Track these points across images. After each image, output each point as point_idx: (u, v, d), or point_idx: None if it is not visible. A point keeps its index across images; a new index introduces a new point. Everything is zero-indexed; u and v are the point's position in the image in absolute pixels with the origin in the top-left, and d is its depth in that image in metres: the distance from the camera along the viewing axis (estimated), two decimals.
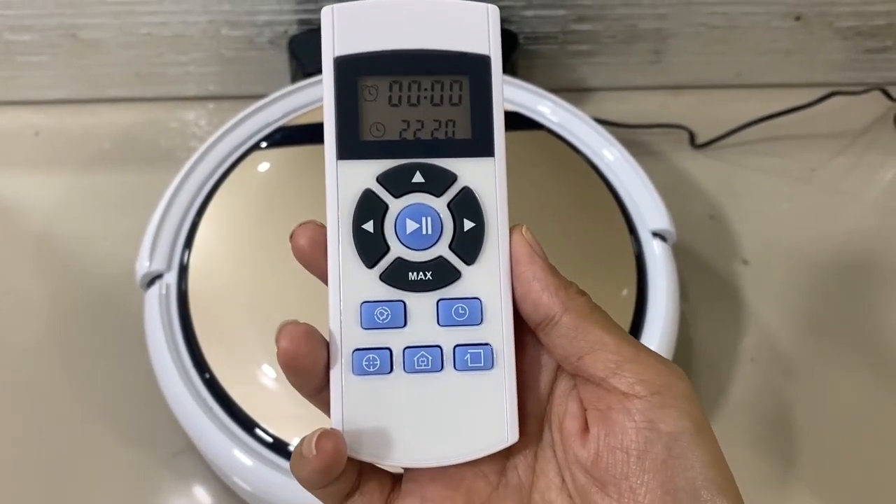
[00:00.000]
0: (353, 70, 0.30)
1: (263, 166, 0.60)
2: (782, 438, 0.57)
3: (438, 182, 0.30)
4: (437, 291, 0.30)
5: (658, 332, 0.53)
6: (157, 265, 0.54)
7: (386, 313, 0.30)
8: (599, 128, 0.64)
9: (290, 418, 0.48)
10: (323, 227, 0.31)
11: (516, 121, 0.63)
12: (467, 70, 0.31)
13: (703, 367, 0.60)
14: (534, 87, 0.66)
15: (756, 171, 0.73)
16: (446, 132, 0.31)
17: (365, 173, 0.30)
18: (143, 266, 0.54)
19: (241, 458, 0.47)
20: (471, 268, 0.30)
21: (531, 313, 0.30)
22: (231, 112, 0.63)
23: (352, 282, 0.30)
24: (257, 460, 0.47)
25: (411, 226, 0.30)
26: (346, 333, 0.30)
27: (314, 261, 0.31)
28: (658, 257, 0.56)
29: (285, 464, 0.47)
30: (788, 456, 0.57)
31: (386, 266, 0.30)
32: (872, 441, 0.57)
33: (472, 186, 0.31)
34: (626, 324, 0.53)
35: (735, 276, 0.66)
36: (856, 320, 0.63)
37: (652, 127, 0.75)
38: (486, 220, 0.31)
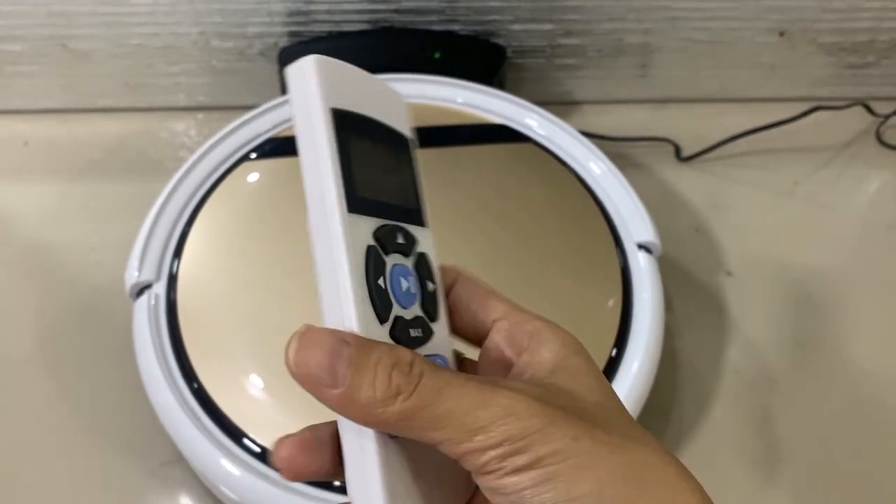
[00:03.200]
0: (346, 126, 0.29)
1: (253, 177, 0.60)
2: (765, 449, 0.58)
3: (409, 244, 0.31)
4: (423, 348, 0.30)
5: (643, 344, 0.53)
6: (147, 275, 0.55)
7: None
8: (586, 141, 0.64)
9: (278, 428, 0.48)
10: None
11: (504, 134, 0.64)
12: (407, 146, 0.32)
13: (688, 378, 0.61)
14: (521, 101, 0.66)
15: (740, 184, 0.74)
16: (406, 198, 0.32)
17: (366, 229, 0.30)
18: (132, 276, 0.55)
19: (229, 468, 0.47)
20: (435, 325, 0.31)
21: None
22: (221, 123, 0.64)
23: (368, 334, 0.29)
24: (245, 470, 0.47)
25: (403, 284, 0.30)
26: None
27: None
28: (643, 269, 0.57)
29: (273, 473, 0.47)
30: (771, 467, 0.57)
31: (392, 323, 0.30)
32: (855, 453, 0.58)
33: (425, 251, 0.32)
34: (611, 335, 0.53)
35: (719, 288, 0.66)
36: (839, 332, 0.64)
37: (638, 140, 0.76)
38: (436, 280, 0.32)
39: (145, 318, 0.53)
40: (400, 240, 0.31)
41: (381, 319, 0.29)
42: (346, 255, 0.29)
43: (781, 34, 0.75)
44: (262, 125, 0.63)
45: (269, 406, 0.49)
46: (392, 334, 0.29)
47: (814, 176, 0.75)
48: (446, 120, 0.65)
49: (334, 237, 0.29)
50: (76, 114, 0.76)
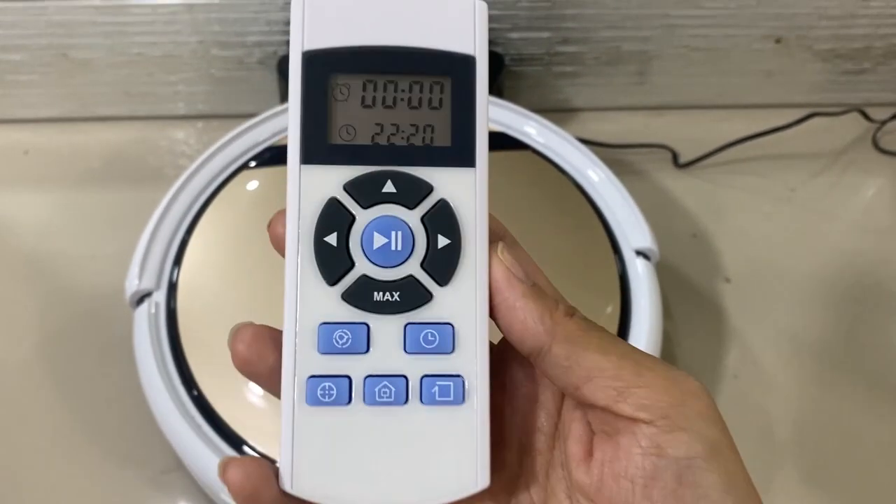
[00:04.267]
0: (323, 66, 0.28)
1: (252, 185, 0.60)
2: (764, 455, 0.58)
3: (412, 193, 0.28)
4: (406, 314, 0.28)
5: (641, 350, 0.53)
6: (147, 283, 0.55)
7: (346, 337, 0.27)
8: (584, 148, 0.64)
9: (279, 436, 0.49)
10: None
11: (502, 141, 0.64)
12: (449, 71, 0.28)
13: None
14: (519, 108, 0.67)
15: (738, 191, 0.74)
16: (423, 138, 0.28)
17: (331, 180, 0.28)
18: (133, 284, 0.55)
19: None
20: (444, 289, 0.28)
21: (518, 345, 0.28)
22: (220, 131, 0.64)
23: (310, 300, 0.27)
24: None
25: (379, 240, 0.28)
26: (300, 358, 0.27)
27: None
28: (641, 276, 0.57)
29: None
30: (770, 473, 0.57)
31: (349, 284, 0.27)
32: (854, 458, 0.58)
33: (449, 199, 0.28)
34: None
35: (717, 294, 0.66)
36: (836, 337, 0.64)
37: (635, 147, 0.76)
38: (463, 237, 0.28)
39: (145, 326, 0.53)
40: (390, 188, 0.28)
41: (330, 279, 0.27)
42: (292, 211, 0.27)
43: (778, 41, 0.76)
44: (261, 133, 0.63)
45: (269, 414, 0.49)
46: (345, 296, 0.27)
47: (811, 182, 0.75)
48: None
49: (288, 193, 0.28)
50: (76, 122, 0.76)
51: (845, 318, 0.65)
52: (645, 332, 0.54)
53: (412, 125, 0.28)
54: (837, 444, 0.59)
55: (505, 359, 0.30)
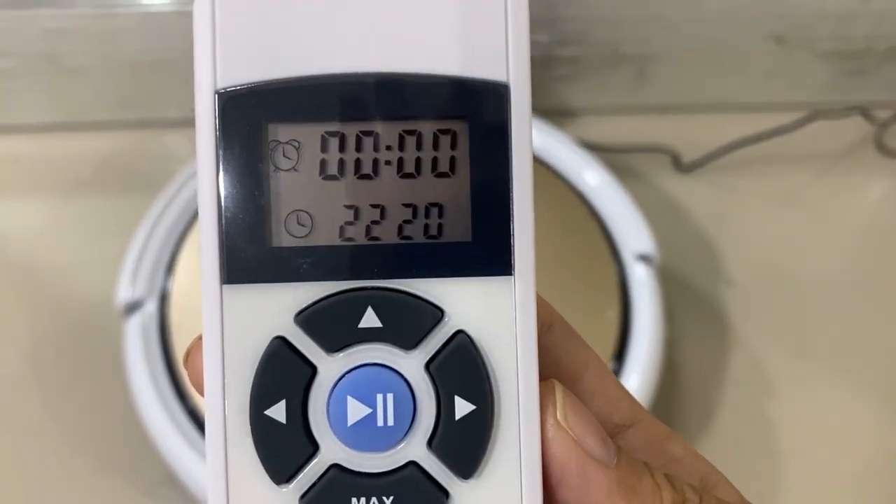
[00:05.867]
0: (252, 112, 0.18)
1: None
2: (767, 461, 0.57)
3: (409, 325, 0.18)
4: None
5: (643, 356, 0.53)
6: (138, 292, 0.54)
7: None
8: (582, 151, 0.64)
9: None
10: None
11: None
12: (467, 111, 0.18)
13: (689, 389, 0.60)
14: None
15: (740, 193, 0.73)
16: (426, 228, 0.18)
17: (275, 309, 0.18)
18: (124, 293, 0.54)
19: None
20: (467, 484, 0.18)
21: None
22: None
23: None
24: None
25: (357, 409, 0.17)
26: None
27: None
28: (642, 281, 0.56)
29: None
30: (773, 479, 0.56)
31: (312, 481, 0.18)
32: (859, 466, 0.57)
33: (470, 332, 0.18)
34: (610, 348, 0.53)
35: (720, 299, 0.66)
36: (840, 342, 0.64)
37: (635, 150, 0.75)
38: (496, 394, 0.18)
39: (137, 335, 0.53)
40: (372, 319, 0.17)
41: (279, 475, 0.18)
42: (211, 364, 0.18)
43: (779, 42, 0.75)
44: None
45: None
46: (305, 501, 0.17)
47: (813, 183, 0.74)
48: None
49: (204, 331, 0.18)
50: (68, 129, 0.75)
51: (851, 323, 0.65)
52: (646, 337, 0.53)
53: (407, 206, 0.18)
54: (842, 451, 0.58)
55: None
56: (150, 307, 0.54)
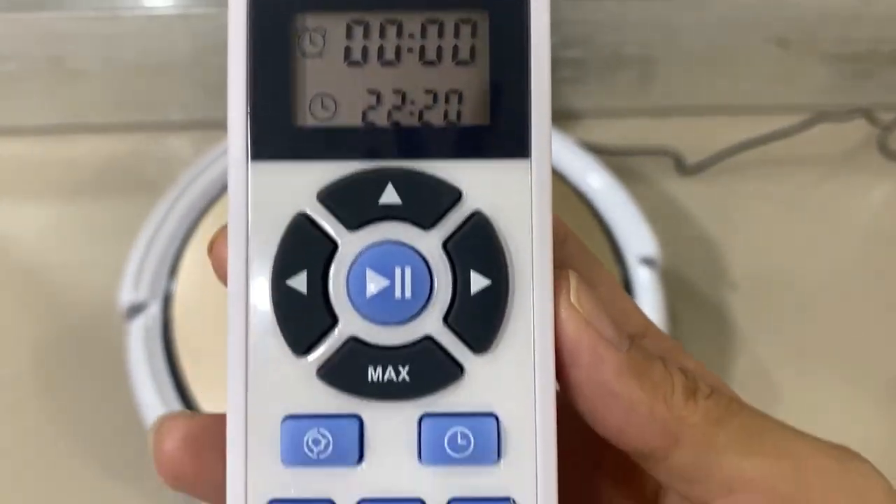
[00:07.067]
0: (281, 4, 0.18)
1: None
2: None
3: (428, 204, 0.18)
4: (421, 401, 0.18)
5: None
6: (141, 295, 0.54)
7: (326, 440, 0.18)
8: (585, 154, 0.64)
9: None
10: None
11: None
12: (488, 3, 0.18)
13: None
14: None
15: (744, 196, 0.73)
16: (446, 113, 0.18)
17: (298, 186, 0.18)
18: (127, 296, 0.54)
19: None
20: (481, 360, 0.18)
21: (615, 441, 0.19)
22: (217, 140, 0.63)
23: (268, 381, 0.18)
24: None
25: (376, 282, 0.18)
26: (255, 475, 0.18)
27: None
28: (645, 283, 0.56)
29: None
30: None
31: (329, 354, 0.18)
32: None
33: (487, 212, 0.18)
34: None
35: (723, 301, 0.65)
36: (845, 345, 0.63)
37: (639, 153, 0.75)
38: (511, 272, 0.18)
39: (140, 337, 0.52)
40: (392, 197, 0.18)
41: (298, 346, 0.18)
42: (235, 238, 0.18)
43: (782, 44, 0.75)
44: None
45: None
46: (323, 373, 0.18)
47: (817, 187, 0.74)
48: None
49: (230, 205, 0.18)
50: (71, 132, 0.75)
51: (855, 326, 0.64)
52: None
53: (428, 92, 0.18)
54: None
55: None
56: (154, 310, 0.54)
